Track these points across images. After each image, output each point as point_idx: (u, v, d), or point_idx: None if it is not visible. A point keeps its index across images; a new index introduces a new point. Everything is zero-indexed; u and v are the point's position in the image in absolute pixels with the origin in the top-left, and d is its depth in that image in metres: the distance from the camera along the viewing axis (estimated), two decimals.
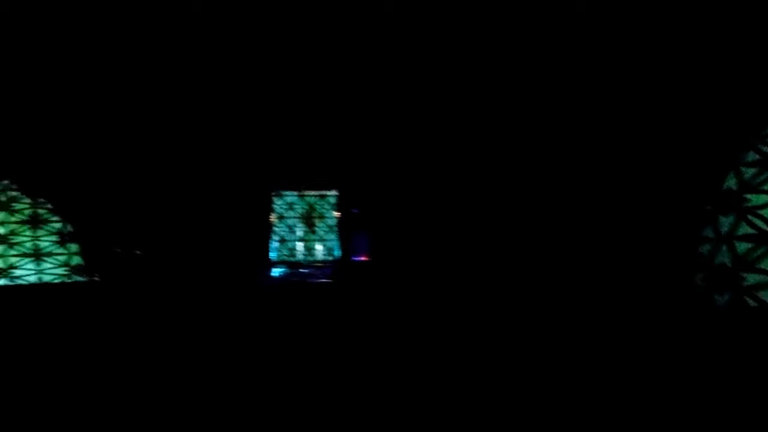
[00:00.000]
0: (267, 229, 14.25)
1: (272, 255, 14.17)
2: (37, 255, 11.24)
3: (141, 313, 11.51)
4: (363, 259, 14.62)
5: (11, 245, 11.24)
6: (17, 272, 11.23)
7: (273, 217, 14.28)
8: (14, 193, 11.65)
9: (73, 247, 11.77)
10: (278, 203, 14.38)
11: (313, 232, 14.54)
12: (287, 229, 14.40)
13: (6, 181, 11.67)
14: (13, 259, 11.26)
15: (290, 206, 14.40)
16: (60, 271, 11.51)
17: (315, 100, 14.04)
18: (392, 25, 12.73)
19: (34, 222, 11.47)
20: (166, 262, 12.73)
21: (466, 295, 13.27)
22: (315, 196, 14.58)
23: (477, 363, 7.77)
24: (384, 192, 14.76)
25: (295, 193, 14.50)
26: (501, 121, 14.46)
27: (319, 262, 14.48)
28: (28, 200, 11.68)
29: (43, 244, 11.47)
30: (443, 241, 14.77)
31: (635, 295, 10.74)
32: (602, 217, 12.71)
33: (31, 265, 11.35)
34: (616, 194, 12.05)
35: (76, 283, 11.78)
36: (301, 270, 14.32)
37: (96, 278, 12.09)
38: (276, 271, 14.11)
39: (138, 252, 12.60)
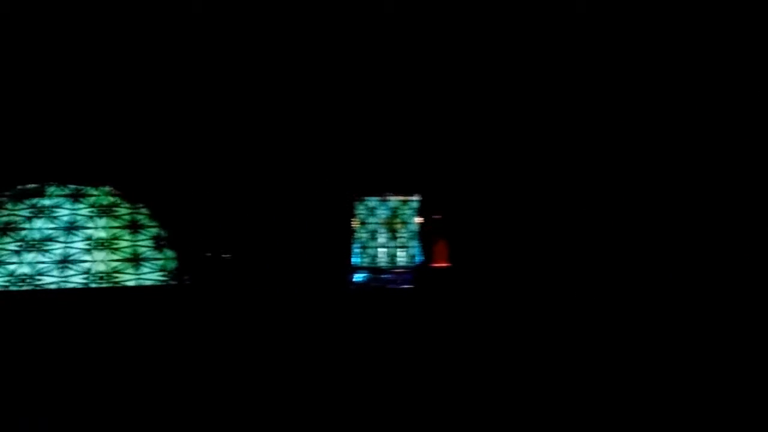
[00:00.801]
0: (349, 234, 14.30)
1: (354, 260, 14.20)
2: (137, 259, 11.85)
3: (228, 314, 11.83)
4: (444, 265, 14.43)
5: (114, 250, 11.87)
6: (120, 276, 11.84)
7: (355, 222, 14.30)
8: (115, 199, 12.29)
9: (169, 252, 12.29)
10: (360, 208, 14.37)
11: (395, 237, 14.46)
12: (369, 235, 14.38)
13: (108, 187, 12.30)
14: (115, 264, 11.88)
15: (372, 211, 14.37)
16: (157, 275, 12.06)
17: (399, 104, 13.91)
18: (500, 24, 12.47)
19: (134, 227, 12.10)
20: (252, 266, 13.05)
21: (552, 303, 12.83)
22: (397, 201, 14.47)
23: (565, 372, 7.45)
24: (467, 198, 14.48)
25: (378, 198, 14.44)
26: (593, 123, 13.79)
27: (400, 267, 14.39)
28: (128, 205, 12.30)
29: (141, 249, 12.08)
30: (527, 247, 14.33)
31: None
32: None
33: (131, 269, 11.94)
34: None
35: (169, 285, 12.29)
36: (382, 275, 14.29)
37: (187, 281, 12.55)
38: (358, 276, 14.15)
39: (227, 256, 12.98)
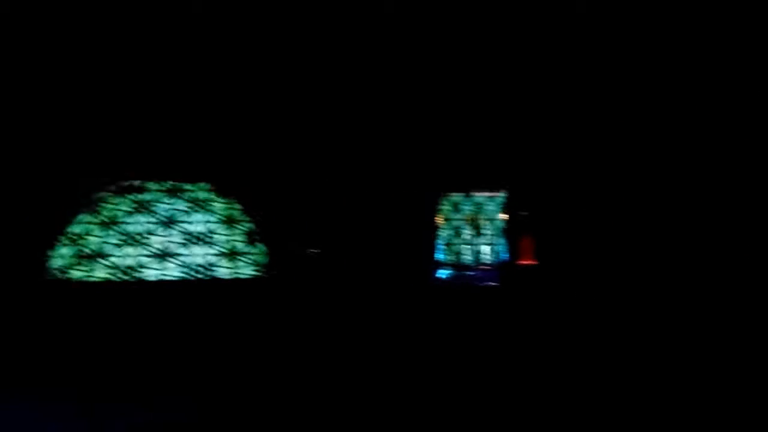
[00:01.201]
0: (433, 231, 14.20)
1: (438, 256, 14.08)
2: (232, 253, 12.23)
3: (316, 307, 11.96)
4: (531, 262, 14.07)
5: (211, 244, 12.29)
6: (216, 270, 12.27)
7: (439, 219, 14.17)
8: (211, 194, 12.74)
9: (260, 246, 12.62)
10: (445, 204, 14.22)
11: (480, 234, 14.21)
12: (453, 231, 14.22)
13: (203, 183, 12.77)
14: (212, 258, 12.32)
15: (457, 208, 14.19)
16: (250, 270, 12.41)
17: (482, 100, 13.64)
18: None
19: (229, 222, 12.48)
20: (339, 261, 13.19)
21: (646, 302, 12.21)
22: (482, 197, 14.22)
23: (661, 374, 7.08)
24: (555, 193, 14.03)
25: (462, 194, 14.24)
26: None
27: (485, 264, 14.15)
28: (223, 201, 12.72)
29: (235, 244, 12.45)
30: (619, 245, 13.72)
31: None
32: None
33: (226, 263, 12.34)
34: None
35: (260, 278, 12.62)
36: (467, 273, 14.10)
37: (275, 274, 12.83)
38: (442, 273, 14.02)
39: (314, 251, 13.18)
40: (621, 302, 12.33)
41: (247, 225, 12.69)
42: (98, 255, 12.16)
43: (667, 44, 12.59)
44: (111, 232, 12.43)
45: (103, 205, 12.50)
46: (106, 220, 12.49)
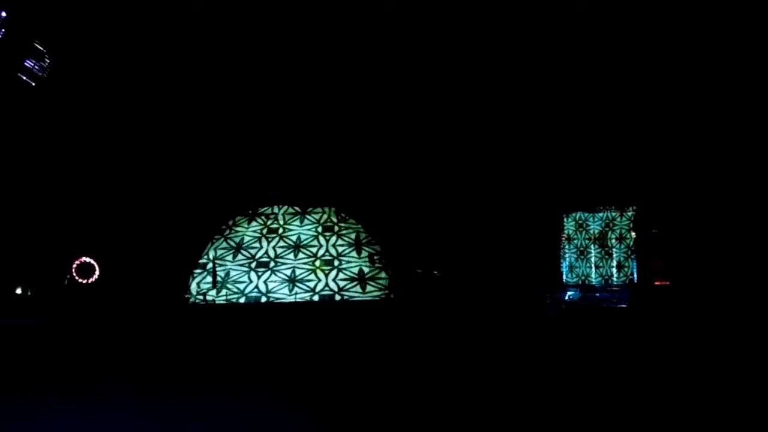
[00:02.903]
0: (558, 250, 13.71)
1: (565, 277, 13.56)
2: (362, 279, 12.37)
3: (441, 328, 11.79)
4: (664, 283, 13.22)
5: (340, 270, 12.49)
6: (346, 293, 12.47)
7: (564, 237, 13.64)
8: (337, 218, 12.96)
9: (384, 270, 12.69)
10: (569, 223, 13.66)
11: (608, 253, 13.53)
12: (579, 250, 13.63)
13: (328, 207, 13.02)
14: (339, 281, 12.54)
15: (583, 226, 13.58)
16: (376, 292, 12.49)
17: (611, 105, 12.99)
18: None
19: (357, 246, 12.63)
20: (461, 282, 13.00)
21: None
22: (610, 213, 13.52)
23: None
24: (689, 208, 13.10)
25: (588, 211, 13.62)
26: None
27: (614, 285, 13.44)
28: (348, 224, 12.89)
29: (362, 266, 12.57)
30: (756, 264, 12.56)
31: None
32: None
33: (351, 285, 12.50)
34: None
35: (384, 300, 12.68)
36: (595, 294, 13.47)
37: (397, 296, 12.83)
38: (569, 294, 13.48)
39: (436, 272, 13.09)
40: (758, 324, 11.29)
41: (371, 248, 12.80)
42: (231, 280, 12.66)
43: None
44: (241, 257, 12.88)
45: (235, 230, 13.03)
46: (235, 245, 12.96)
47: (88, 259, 12.68)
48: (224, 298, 12.53)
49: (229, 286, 12.61)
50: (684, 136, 12.99)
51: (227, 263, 12.85)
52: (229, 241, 12.99)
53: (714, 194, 12.95)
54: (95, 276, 12.72)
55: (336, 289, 12.56)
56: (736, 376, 7.99)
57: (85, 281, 12.71)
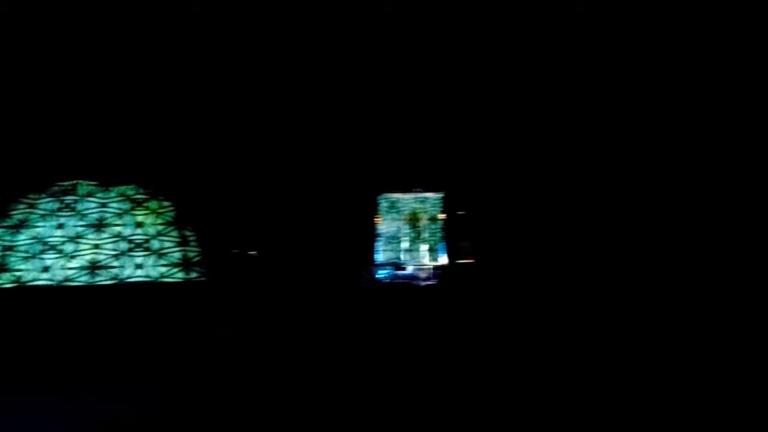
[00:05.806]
0: (372, 231, 14.27)
1: (377, 257, 14.16)
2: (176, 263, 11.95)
3: (255, 309, 11.83)
4: (468, 261, 14.32)
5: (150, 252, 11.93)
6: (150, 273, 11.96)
7: (378, 219, 14.25)
8: (142, 197, 12.38)
9: (193, 249, 12.36)
10: (384, 204, 14.31)
11: (419, 234, 14.37)
12: (392, 231, 14.32)
13: (133, 185, 12.42)
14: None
15: (396, 208, 14.30)
16: (181, 272, 12.12)
17: (426, 100, 13.81)
18: None
19: (169, 226, 12.14)
20: (277, 262, 13.09)
21: (579, 297, 12.65)
22: (421, 197, 14.38)
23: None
24: (492, 193, 14.34)
25: (401, 194, 14.37)
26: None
27: (424, 264, 14.31)
28: (155, 203, 12.37)
29: (168, 245, 12.14)
30: (555, 241, 14.13)
31: None
32: None
33: (153, 265, 12.02)
34: None
35: (193, 281, 12.39)
36: (406, 272, 14.23)
37: (210, 277, 12.62)
38: (381, 273, 14.11)
39: (252, 252, 13.05)
40: (557, 299, 12.71)
41: (181, 227, 12.42)
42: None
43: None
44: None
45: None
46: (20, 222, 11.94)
47: None
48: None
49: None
50: (489, 128, 14.19)
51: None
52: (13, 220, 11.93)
53: (516, 180, 14.29)
54: None
55: (145, 273, 12.04)
56: (532, 340, 8.95)
57: None
